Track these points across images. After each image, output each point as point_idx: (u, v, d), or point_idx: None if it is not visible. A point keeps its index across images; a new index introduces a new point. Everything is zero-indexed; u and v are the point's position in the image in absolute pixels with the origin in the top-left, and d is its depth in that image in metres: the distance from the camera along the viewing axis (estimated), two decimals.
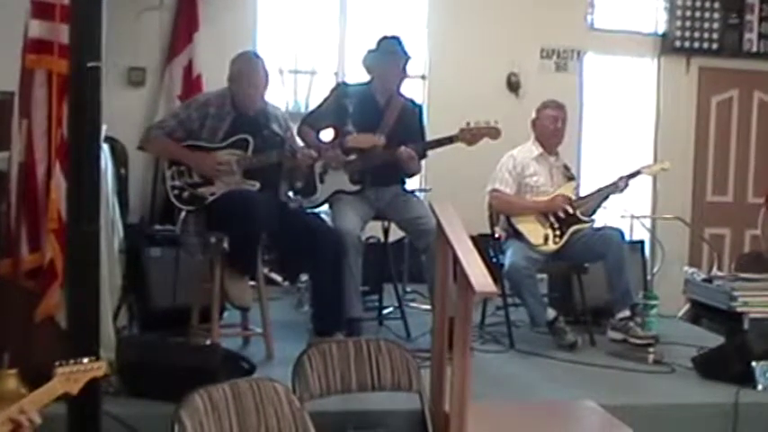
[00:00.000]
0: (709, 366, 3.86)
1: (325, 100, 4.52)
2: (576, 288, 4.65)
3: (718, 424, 3.41)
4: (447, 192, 4.70)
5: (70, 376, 2.13)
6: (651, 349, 4.16)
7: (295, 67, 6.45)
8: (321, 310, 4.02)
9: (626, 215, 5.72)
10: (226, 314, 4.28)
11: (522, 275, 4.34)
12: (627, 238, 5.06)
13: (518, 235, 4.52)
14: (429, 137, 4.51)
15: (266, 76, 4.08)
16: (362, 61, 4.51)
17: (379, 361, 3.02)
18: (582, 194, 4.77)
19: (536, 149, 4.67)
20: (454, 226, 3.01)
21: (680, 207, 6.72)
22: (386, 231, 4.70)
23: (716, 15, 6.97)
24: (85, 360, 2.18)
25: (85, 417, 2.73)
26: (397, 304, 4.68)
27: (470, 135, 4.28)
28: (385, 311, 4.84)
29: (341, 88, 4.60)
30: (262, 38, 6.32)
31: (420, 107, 4.71)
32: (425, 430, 3.05)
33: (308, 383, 2.87)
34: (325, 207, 4.44)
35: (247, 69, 4.03)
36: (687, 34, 6.96)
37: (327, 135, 4.46)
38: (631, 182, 4.63)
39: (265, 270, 4.71)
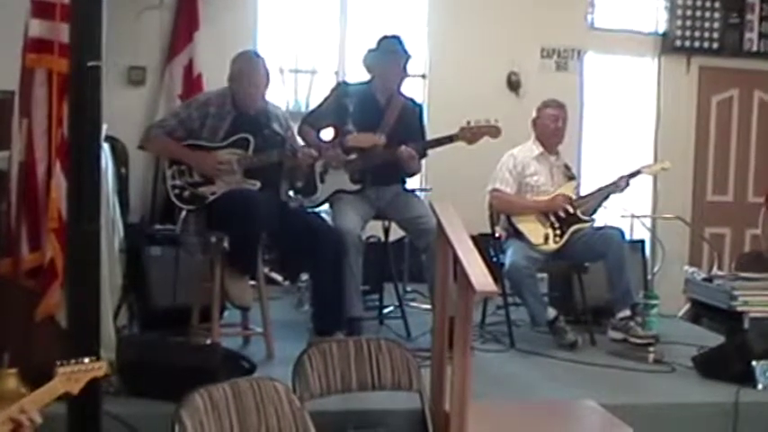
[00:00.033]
0: (710, 366, 3.86)
1: (326, 99, 4.52)
2: (576, 287, 4.65)
3: (719, 423, 3.41)
4: (447, 191, 4.69)
5: (71, 376, 2.13)
6: (651, 349, 4.16)
7: (295, 66, 6.45)
8: (321, 309, 4.02)
9: (626, 215, 5.71)
10: (226, 313, 4.28)
11: (522, 275, 4.34)
12: (627, 237, 5.07)
13: (518, 234, 4.52)
14: (429, 136, 4.51)
15: (267, 75, 4.08)
16: (363, 60, 4.51)
17: (380, 360, 3.02)
18: (582, 194, 4.77)
19: (536, 149, 4.67)
20: (454, 225, 3.01)
21: (680, 206, 6.72)
22: (386, 231, 4.70)
23: (716, 15, 6.97)
24: (86, 360, 2.18)
25: (86, 416, 2.73)
26: (397, 303, 4.68)
27: (471, 134, 4.28)
28: (385, 311, 4.84)
29: (341, 87, 4.60)
30: (262, 37, 6.32)
31: (420, 106, 4.71)
32: (426, 430, 3.05)
33: (309, 383, 2.87)
34: (326, 206, 4.44)
35: (248, 69, 4.03)
36: (687, 34, 6.96)
37: (328, 134, 4.46)
38: (632, 181, 4.63)
39: (266, 269, 4.71)
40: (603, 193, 4.66)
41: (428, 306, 4.50)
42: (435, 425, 3.04)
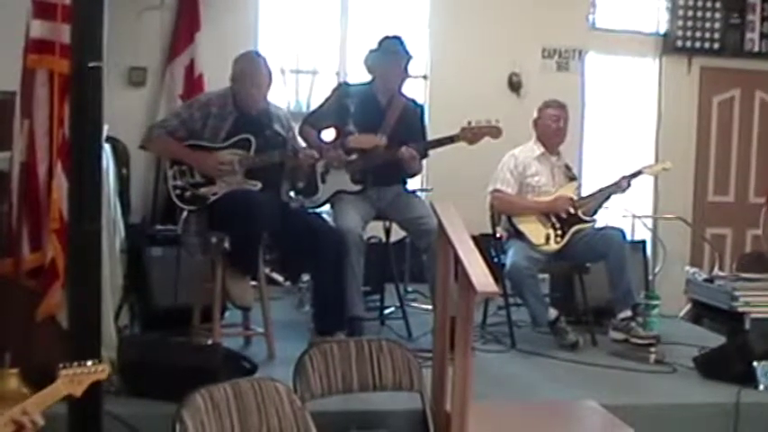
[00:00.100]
0: (711, 366, 3.86)
1: (327, 100, 4.52)
2: (577, 288, 4.65)
3: (720, 424, 3.41)
4: (448, 191, 4.69)
5: (74, 378, 2.14)
6: (653, 349, 4.16)
7: (296, 66, 6.45)
8: (322, 309, 4.02)
9: (627, 215, 5.71)
10: (227, 314, 4.28)
11: (523, 275, 4.34)
12: (628, 237, 5.06)
13: (519, 235, 4.51)
14: (430, 136, 4.51)
15: (269, 75, 4.08)
16: (364, 61, 4.51)
17: (381, 361, 3.03)
18: (583, 194, 4.77)
19: (538, 149, 4.67)
20: (455, 226, 3.01)
21: (681, 207, 6.71)
22: (387, 231, 4.70)
23: (717, 15, 6.97)
24: (89, 362, 2.18)
25: (87, 416, 2.73)
26: (398, 304, 4.68)
27: (471, 134, 4.29)
28: (386, 311, 4.83)
29: (342, 88, 4.60)
30: (263, 37, 6.32)
31: (421, 107, 4.71)
32: (427, 430, 3.05)
33: (310, 383, 2.87)
34: (327, 207, 4.44)
35: (250, 69, 4.03)
36: (689, 34, 6.95)
37: (329, 135, 4.46)
38: (633, 182, 4.62)
39: (267, 270, 4.70)
40: (605, 194, 4.66)
41: (429, 306, 4.50)
42: (436, 425, 3.04)
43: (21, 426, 2.02)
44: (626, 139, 7.02)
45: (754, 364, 3.68)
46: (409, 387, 3.05)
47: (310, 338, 3.91)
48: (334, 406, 3.02)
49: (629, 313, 4.37)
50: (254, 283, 4.00)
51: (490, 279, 2.72)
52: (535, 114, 4.73)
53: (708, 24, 6.96)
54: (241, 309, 4.05)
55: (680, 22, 6.93)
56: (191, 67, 5.98)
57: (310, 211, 4.36)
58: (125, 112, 5.42)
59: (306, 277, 5.03)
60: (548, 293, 4.89)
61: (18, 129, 3.23)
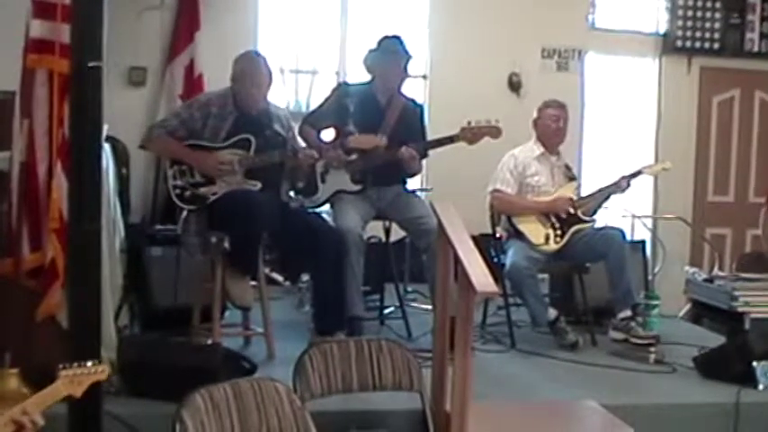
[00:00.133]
0: (711, 366, 3.86)
1: (327, 100, 4.52)
2: (577, 288, 4.65)
3: (720, 424, 3.41)
4: (448, 191, 4.69)
5: (74, 379, 2.14)
6: (652, 349, 4.16)
7: (296, 66, 6.45)
8: (322, 309, 4.02)
9: (627, 215, 5.72)
10: (227, 314, 4.28)
11: (523, 275, 4.34)
12: (628, 237, 5.06)
13: (519, 235, 4.52)
14: (430, 136, 4.51)
15: (269, 75, 4.08)
16: (363, 61, 4.51)
17: (381, 361, 3.03)
18: (583, 194, 4.77)
19: (537, 149, 4.67)
20: (455, 226, 3.01)
21: (681, 207, 6.71)
22: (387, 231, 4.70)
23: (717, 15, 6.97)
24: (89, 363, 2.18)
25: (87, 416, 2.73)
26: (398, 304, 4.68)
27: (471, 134, 4.29)
28: (386, 311, 4.83)
29: (342, 88, 4.60)
30: (263, 37, 6.32)
31: (421, 107, 4.71)
32: (426, 430, 3.05)
33: (310, 383, 2.87)
34: (327, 207, 4.44)
35: (250, 69, 4.03)
36: (688, 34, 6.95)
37: (328, 135, 4.46)
38: (633, 182, 4.62)
39: (266, 270, 4.70)
40: (604, 194, 4.66)
41: (429, 306, 4.50)
42: (436, 425, 3.04)
43: (21, 426, 2.02)
44: (626, 139, 7.02)
45: (754, 363, 3.68)
46: (409, 387, 3.05)
47: (310, 338, 3.91)
48: (334, 406, 3.02)
49: (628, 313, 4.37)
50: (253, 282, 4.00)
51: (490, 279, 2.72)
52: (535, 114, 4.73)
53: (708, 24, 6.96)
54: (241, 309, 4.05)
55: (680, 22, 6.93)
56: (190, 67, 5.98)
57: (310, 210, 4.36)
58: (125, 112, 5.42)
59: (305, 277, 5.03)
60: (547, 293, 4.89)
61: (18, 128, 3.23)
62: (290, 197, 4.31)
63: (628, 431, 3.03)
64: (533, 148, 4.67)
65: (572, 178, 4.76)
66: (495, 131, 4.30)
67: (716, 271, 5.52)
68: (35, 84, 3.14)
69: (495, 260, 4.50)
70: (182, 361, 3.21)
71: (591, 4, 6.85)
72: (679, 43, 6.95)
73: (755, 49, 7.04)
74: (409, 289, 5.48)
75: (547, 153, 4.67)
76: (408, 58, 4.43)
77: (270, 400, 2.49)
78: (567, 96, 5.09)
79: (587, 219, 4.59)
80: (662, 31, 7.00)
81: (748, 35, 7.02)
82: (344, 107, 4.30)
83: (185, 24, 6.04)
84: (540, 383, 3.80)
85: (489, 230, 4.66)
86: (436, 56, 6.55)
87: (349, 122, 4.26)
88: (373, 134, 4.27)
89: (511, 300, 4.53)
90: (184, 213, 4.02)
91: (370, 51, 4.48)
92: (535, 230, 4.50)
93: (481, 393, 3.06)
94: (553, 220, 4.53)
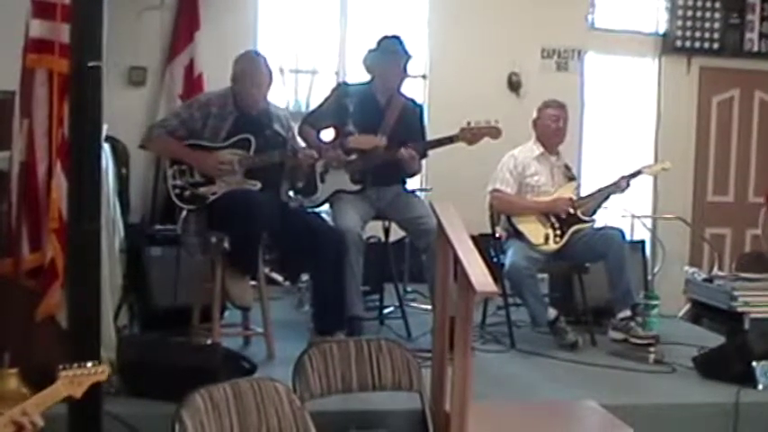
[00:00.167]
0: (710, 366, 3.86)
1: (326, 99, 4.52)
2: (576, 288, 4.65)
3: (719, 424, 3.41)
4: (448, 191, 4.70)
5: (74, 380, 2.14)
6: (652, 349, 4.16)
7: (296, 66, 6.45)
8: (322, 309, 4.02)
9: (627, 215, 5.72)
10: (227, 314, 4.28)
11: (522, 275, 4.34)
12: (628, 237, 5.07)
13: (519, 235, 4.52)
14: (430, 136, 4.51)
15: (270, 75, 4.08)
16: (363, 61, 4.51)
17: (380, 361, 3.03)
18: (583, 194, 4.77)
19: (537, 149, 4.67)
20: (455, 226, 3.01)
21: (681, 207, 6.72)
22: (386, 231, 4.70)
23: (717, 15, 6.97)
24: (89, 364, 2.18)
25: (86, 417, 2.73)
26: (397, 304, 4.68)
27: (471, 135, 4.29)
28: (386, 311, 4.83)
29: (342, 88, 4.60)
30: (263, 37, 6.32)
31: (421, 107, 4.71)
32: (426, 430, 3.05)
33: (309, 383, 2.87)
34: (326, 207, 4.44)
35: (251, 69, 4.03)
36: (688, 34, 6.95)
37: (328, 135, 4.46)
38: (632, 182, 4.63)
39: (266, 270, 4.70)
40: (604, 194, 4.66)
41: (428, 306, 4.50)
42: (436, 425, 3.04)
43: (20, 427, 2.02)
44: (625, 139, 7.02)
45: (754, 363, 3.68)
46: (409, 387, 3.05)
47: (310, 338, 3.91)
48: (334, 406, 3.02)
49: (628, 313, 4.37)
50: (253, 282, 4.00)
51: (489, 279, 2.72)
52: (534, 114, 4.73)
53: (707, 24, 6.96)
54: (240, 309, 4.05)
55: (679, 22, 6.93)
56: (190, 67, 5.98)
57: (309, 210, 4.36)
58: (125, 112, 5.42)
59: (305, 277, 5.03)
60: (547, 293, 4.89)
61: (17, 128, 3.23)
62: (290, 197, 4.31)
63: (627, 431, 3.03)
64: (533, 148, 4.67)
65: (572, 178, 4.76)
66: (494, 132, 4.30)
67: (715, 271, 5.52)
68: (35, 83, 3.14)
69: (495, 260, 4.50)
70: (181, 361, 3.21)
71: (590, 3, 6.85)
72: (679, 43, 6.95)
73: (755, 48, 7.04)
74: (409, 289, 5.48)
75: (546, 153, 4.67)
76: (408, 57, 4.43)
77: (269, 400, 2.49)
78: (567, 96, 5.09)
79: (587, 219, 4.59)
80: (661, 31, 7.00)
81: (748, 35, 7.03)
82: (344, 107, 4.30)
83: (185, 24, 6.04)
84: (540, 383, 3.80)
85: (489, 230, 4.66)
86: (436, 56, 6.55)
87: (348, 122, 4.26)
88: (373, 134, 4.27)
89: (510, 300, 4.52)
90: (184, 213, 4.02)
91: (370, 51, 4.48)
92: (535, 230, 4.50)
93: (481, 393, 3.06)
94: (553, 220, 4.53)
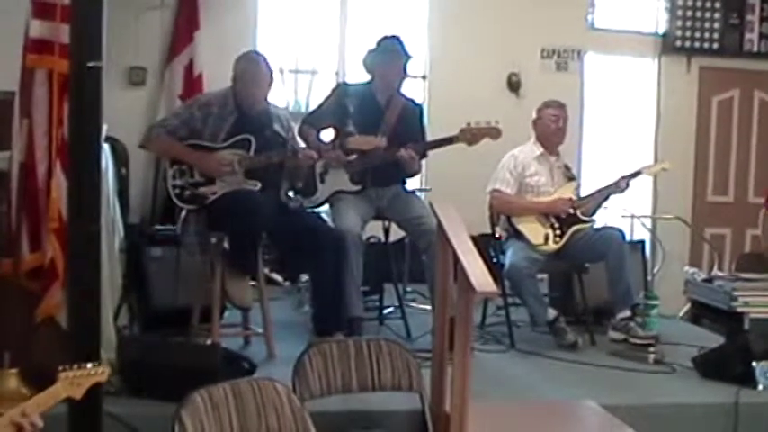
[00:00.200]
0: (710, 366, 3.86)
1: (326, 100, 4.52)
2: (576, 288, 4.65)
3: (719, 424, 3.42)
4: (447, 192, 4.70)
5: (74, 380, 2.14)
6: (652, 349, 4.17)
7: (296, 66, 6.45)
8: (321, 309, 4.02)
9: (626, 215, 5.71)
10: (226, 314, 4.28)
11: (522, 275, 4.34)
12: (627, 238, 5.06)
13: (518, 235, 4.52)
14: (429, 137, 4.51)
15: (270, 75, 4.08)
16: (363, 61, 4.51)
17: (380, 361, 3.02)
18: (582, 194, 4.77)
19: (537, 149, 4.67)
20: (455, 226, 3.01)
21: (680, 207, 6.71)
22: (386, 231, 4.70)
23: (716, 15, 6.97)
24: (89, 365, 2.18)
25: (87, 417, 2.73)
26: (397, 304, 4.68)
27: (471, 135, 4.28)
28: (385, 311, 4.84)
29: (341, 88, 4.60)
30: (262, 37, 6.32)
31: (420, 107, 4.71)
32: (426, 430, 3.05)
33: (309, 383, 2.87)
34: (326, 207, 4.44)
35: (252, 69, 4.03)
36: (688, 34, 6.96)
37: (328, 135, 4.46)
38: (632, 182, 4.63)
39: (266, 270, 4.70)
40: (604, 194, 4.66)
41: (428, 306, 4.50)
42: (436, 425, 3.04)
43: (20, 427, 2.02)
44: (625, 139, 7.03)
45: (754, 364, 3.68)
46: (408, 387, 3.05)
47: (309, 338, 3.90)
48: (334, 406, 3.02)
49: (628, 313, 4.38)
50: (253, 283, 4.01)
51: (489, 279, 2.72)
52: (534, 115, 4.73)
53: (707, 24, 6.97)
54: (240, 309, 4.06)
55: (679, 22, 6.94)
56: (190, 67, 5.99)
57: (309, 211, 4.36)
58: (124, 112, 5.43)
59: (305, 277, 5.02)
60: (547, 293, 4.88)
61: (17, 128, 3.23)
62: (290, 197, 4.31)
63: (627, 431, 3.03)
64: (533, 149, 4.67)
65: (571, 178, 4.76)
66: (494, 132, 4.29)
67: (715, 271, 5.52)
68: (35, 84, 3.14)
69: (495, 260, 4.51)
70: (181, 361, 3.21)
71: (590, 4, 6.85)
72: (678, 43, 6.96)
73: (755, 49, 7.05)
74: (408, 289, 5.47)
75: (546, 153, 4.68)
76: (408, 58, 4.43)
77: (269, 401, 2.49)
78: (567, 96, 5.09)
79: (587, 219, 4.59)
80: (661, 31, 7.00)
81: (747, 35, 7.03)
82: (344, 107, 4.30)
83: (185, 24, 6.04)
84: (540, 383, 3.81)
85: (489, 230, 4.66)
86: (435, 56, 6.55)
87: (348, 123, 4.26)
88: (373, 135, 4.26)
89: (510, 300, 4.52)
90: (184, 213, 4.01)
91: (370, 51, 4.48)
92: (534, 230, 4.50)
93: (481, 393, 3.06)
94: (552, 220, 4.53)
